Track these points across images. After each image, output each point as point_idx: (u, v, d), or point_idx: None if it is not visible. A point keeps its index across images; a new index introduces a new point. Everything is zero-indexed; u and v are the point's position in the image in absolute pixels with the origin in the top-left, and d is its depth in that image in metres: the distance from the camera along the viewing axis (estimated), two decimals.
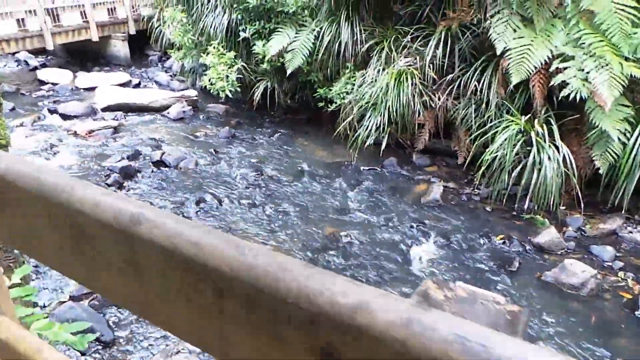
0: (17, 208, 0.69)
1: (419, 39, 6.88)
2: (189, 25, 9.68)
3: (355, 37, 7.57)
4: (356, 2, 7.74)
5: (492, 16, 5.86)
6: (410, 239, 5.34)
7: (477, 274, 4.73)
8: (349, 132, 7.30)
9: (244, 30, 8.49)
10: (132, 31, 13.00)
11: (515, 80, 5.37)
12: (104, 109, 9.55)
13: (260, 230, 5.57)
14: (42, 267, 4.90)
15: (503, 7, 5.81)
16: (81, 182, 0.62)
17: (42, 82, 11.35)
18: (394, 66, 6.87)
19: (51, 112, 9.41)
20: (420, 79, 6.65)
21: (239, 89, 8.69)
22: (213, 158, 7.50)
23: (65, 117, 9.17)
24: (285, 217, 5.85)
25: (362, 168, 7.07)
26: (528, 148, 5.40)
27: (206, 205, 6.11)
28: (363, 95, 7.08)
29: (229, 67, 8.58)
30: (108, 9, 12.72)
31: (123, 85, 10.87)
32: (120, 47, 12.97)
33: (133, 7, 13.00)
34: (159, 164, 7.25)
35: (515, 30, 5.63)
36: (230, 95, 8.59)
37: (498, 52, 5.69)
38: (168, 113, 9.40)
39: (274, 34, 8.11)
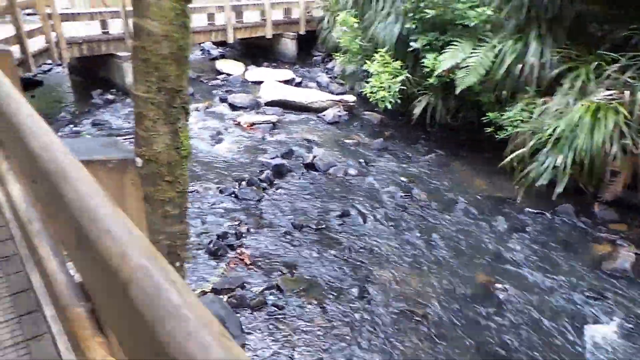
0: None
1: (631, 68, 5.69)
2: (359, 30, 9.61)
3: (544, 59, 6.62)
4: (551, 20, 6.76)
5: None
6: (584, 313, 4.38)
7: None
8: (516, 164, 6.41)
9: (415, 41, 8.07)
10: (302, 31, 13.52)
11: None
12: (267, 104, 10.03)
13: (404, 261, 5.12)
14: (196, 251, 5.15)
15: None
16: None
17: (219, 72, 12.45)
18: (590, 98, 5.80)
19: (222, 100, 10.20)
20: (625, 117, 5.48)
21: (399, 100, 8.33)
22: (362, 169, 7.26)
23: (233, 107, 9.85)
24: (433, 251, 5.30)
25: (527, 209, 6.13)
26: None
27: (350, 220, 5.87)
28: (544, 127, 6.12)
29: (393, 77, 8.26)
30: (284, 8, 13.42)
31: (286, 82, 11.32)
32: (289, 46, 13.61)
33: (306, 9, 13.50)
34: (310, 166, 7.26)
35: None
36: (389, 106, 8.28)
37: None
38: (324, 115, 9.47)
39: (447, 48, 7.53)
